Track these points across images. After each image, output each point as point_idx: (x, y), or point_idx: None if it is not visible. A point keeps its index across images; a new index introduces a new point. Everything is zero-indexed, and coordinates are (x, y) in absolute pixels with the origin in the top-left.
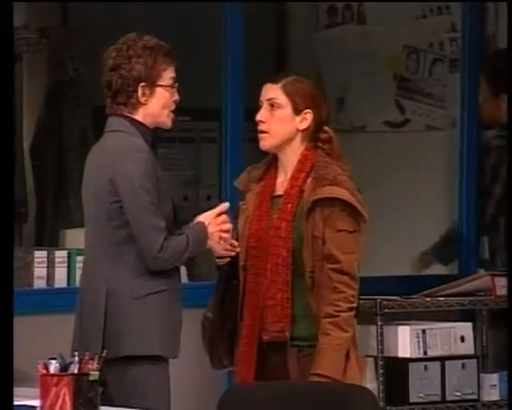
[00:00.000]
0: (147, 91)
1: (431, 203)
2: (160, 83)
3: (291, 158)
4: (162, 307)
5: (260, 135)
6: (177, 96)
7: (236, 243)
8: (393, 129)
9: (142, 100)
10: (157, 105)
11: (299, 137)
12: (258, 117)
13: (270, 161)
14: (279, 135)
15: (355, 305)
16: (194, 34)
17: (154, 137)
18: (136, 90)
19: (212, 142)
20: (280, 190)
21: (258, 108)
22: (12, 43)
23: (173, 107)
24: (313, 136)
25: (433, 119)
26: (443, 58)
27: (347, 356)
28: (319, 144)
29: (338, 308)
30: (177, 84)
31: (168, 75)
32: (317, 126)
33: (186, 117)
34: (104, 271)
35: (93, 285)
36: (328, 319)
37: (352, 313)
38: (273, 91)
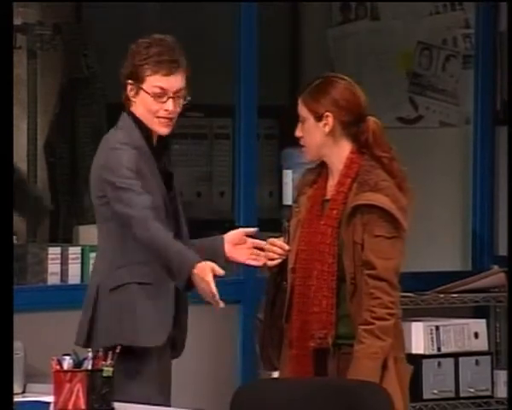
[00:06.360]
0: (133, 91)
1: (445, 200)
2: (143, 87)
3: (336, 163)
4: (135, 298)
5: (303, 149)
6: (170, 107)
7: (287, 247)
8: (407, 125)
9: (130, 95)
10: (141, 107)
11: (331, 140)
12: (296, 134)
13: (323, 163)
14: (313, 146)
15: (394, 312)
16: (209, 31)
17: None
18: (125, 86)
19: (226, 138)
20: (330, 194)
21: (272, 104)
22: (12, 44)
23: (164, 115)
24: (348, 133)
25: (447, 115)
26: (456, 54)
27: (385, 366)
28: (364, 150)
29: (374, 315)
30: (167, 96)
31: (153, 83)
32: (348, 123)
33: (199, 113)
34: (96, 265)
35: (90, 280)
36: (364, 326)
37: (391, 320)
38: (299, 106)
